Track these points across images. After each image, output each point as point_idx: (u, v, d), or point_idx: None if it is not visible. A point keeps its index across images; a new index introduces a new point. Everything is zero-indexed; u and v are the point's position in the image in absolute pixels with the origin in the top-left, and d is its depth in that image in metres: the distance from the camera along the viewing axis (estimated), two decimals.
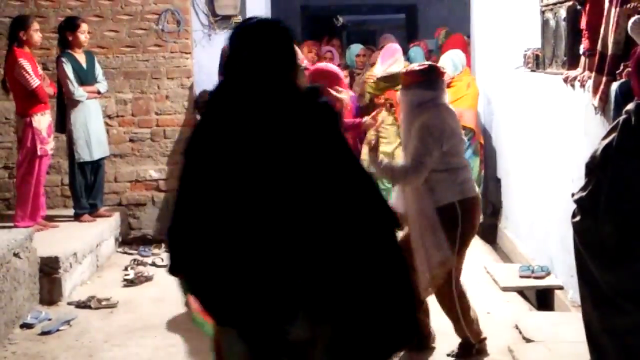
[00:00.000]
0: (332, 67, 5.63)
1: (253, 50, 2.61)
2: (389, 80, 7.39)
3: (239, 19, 7.90)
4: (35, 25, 6.63)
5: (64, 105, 6.99)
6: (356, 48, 8.61)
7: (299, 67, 2.83)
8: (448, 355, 4.64)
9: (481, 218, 7.81)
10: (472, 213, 4.52)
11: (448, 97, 7.38)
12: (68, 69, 6.87)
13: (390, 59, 7.55)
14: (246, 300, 2.51)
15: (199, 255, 2.59)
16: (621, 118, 2.83)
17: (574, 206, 3.02)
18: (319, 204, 2.49)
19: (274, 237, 2.49)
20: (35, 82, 6.47)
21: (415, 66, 4.71)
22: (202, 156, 2.59)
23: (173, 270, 2.73)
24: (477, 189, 4.67)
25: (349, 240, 2.51)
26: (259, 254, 2.49)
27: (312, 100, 2.65)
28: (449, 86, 7.81)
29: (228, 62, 2.70)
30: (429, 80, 4.48)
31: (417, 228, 4.44)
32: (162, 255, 6.95)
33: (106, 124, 7.59)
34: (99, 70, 7.20)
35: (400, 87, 4.78)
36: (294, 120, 2.56)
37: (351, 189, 2.54)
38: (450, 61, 7.82)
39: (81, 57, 7.02)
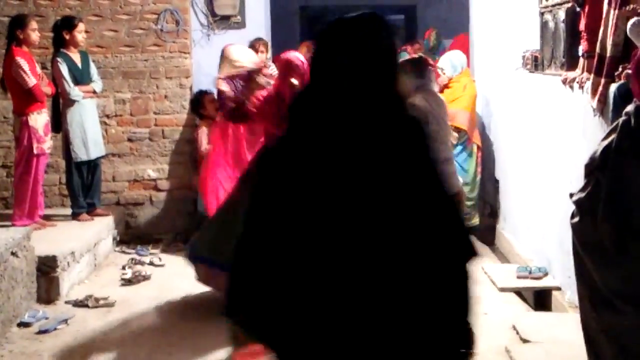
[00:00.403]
0: (294, 57, 5.58)
1: (353, 55, 2.18)
2: None
3: (238, 19, 7.91)
4: (33, 25, 6.62)
5: (59, 105, 6.98)
6: None
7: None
8: None
9: (477, 219, 7.89)
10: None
11: (446, 97, 7.48)
12: (63, 68, 6.86)
13: None
14: (320, 346, 2.18)
15: (269, 295, 2.18)
16: (621, 119, 2.84)
17: (573, 207, 3.02)
18: (402, 241, 2.18)
19: (356, 275, 2.13)
20: (31, 81, 6.47)
21: (405, 57, 4.86)
22: (284, 180, 2.17)
23: (232, 310, 2.28)
24: (460, 186, 4.67)
25: (425, 278, 2.24)
26: (337, 293, 2.14)
27: (404, 114, 2.27)
28: (446, 87, 7.86)
29: (318, 67, 2.29)
30: (417, 69, 4.63)
31: None
32: (159, 255, 6.95)
33: (105, 123, 7.60)
34: (93, 70, 7.19)
35: None
36: (395, 143, 2.17)
37: (434, 218, 2.23)
38: (449, 62, 7.85)
39: (76, 57, 7.01)
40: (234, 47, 6.49)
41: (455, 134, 7.80)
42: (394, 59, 2.28)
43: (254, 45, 7.49)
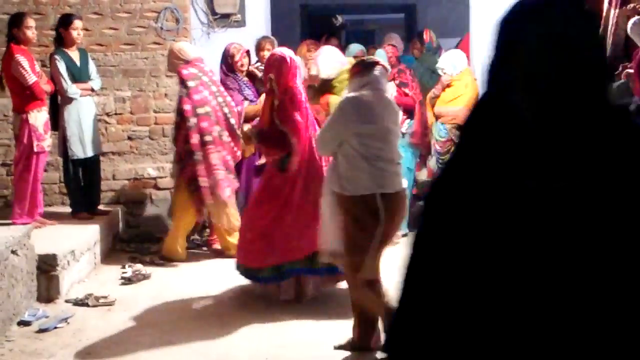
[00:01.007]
0: (283, 53, 5.58)
1: (561, 52, 1.59)
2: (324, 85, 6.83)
3: (238, 17, 7.91)
4: (29, 22, 6.60)
5: (57, 102, 6.98)
6: (355, 48, 8.57)
7: None
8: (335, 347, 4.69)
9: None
10: (393, 209, 4.43)
11: (448, 95, 7.51)
12: (61, 66, 6.85)
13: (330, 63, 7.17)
14: None
15: (445, 336, 1.71)
16: None
17: None
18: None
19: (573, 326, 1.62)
20: (31, 78, 6.47)
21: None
22: (475, 209, 1.67)
23: (395, 347, 1.84)
24: (403, 185, 4.59)
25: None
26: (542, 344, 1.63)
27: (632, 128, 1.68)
28: (448, 86, 7.87)
29: (506, 70, 1.71)
30: (362, 70, 4.59)
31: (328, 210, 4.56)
32: (159, 254, 6.95)
33: (105, 121, 7.60)
34: (92, 68, 7.18)
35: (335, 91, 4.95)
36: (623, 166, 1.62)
37: None
38: (449, 61, 7.86)
39: (75, 55, 7.01)
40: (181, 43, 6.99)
41: (457, 132, 7.81)
42: (604, 55, 1.77)
43: (260, 43, 7.47)
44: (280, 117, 5.34)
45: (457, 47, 9.06)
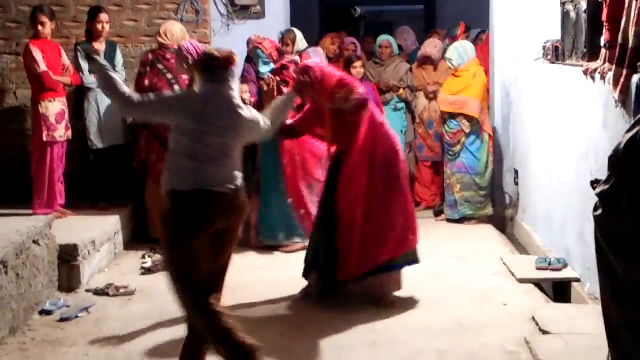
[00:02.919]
0: (305, 66, 5.46)
1: None
2: None
3: (258, 9, 7.94)
4: (42, 18, 6.65)
5: (83, 92, 7.08)
6: (380, 39, 8.64)
7: None
8: None
9: (490, 208, 7.92)
10: (184, 209, 3.87)
11: (456, 85, 7.55)
12: (81, 57, 6.95)
13: None
14: None
15: None
16: None
17: (592, 199, 3.01)
18: None
19: None
20: (40, 67, 6.54)
21: None
22: None
23: None
24: (215, 186, 3.89)
25: None
26: None
27: None
28: (455, 76, 7.90)
29: None
30: (206, 64, 4.15)
31: None
32: None
33: None
34: (119, 61, 7.26)
35: None
36: None
37: None
38: (456, 52, 7.93)
39: (100, 47, 7.07)
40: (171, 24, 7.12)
41: (467, 123, 7.83)
42: None
43: (283, 37, 7.50)
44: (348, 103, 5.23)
45: (485, 40, 9.06)
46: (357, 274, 5.33)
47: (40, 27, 6.65)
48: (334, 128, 5.31)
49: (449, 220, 8.04)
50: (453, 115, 7.88)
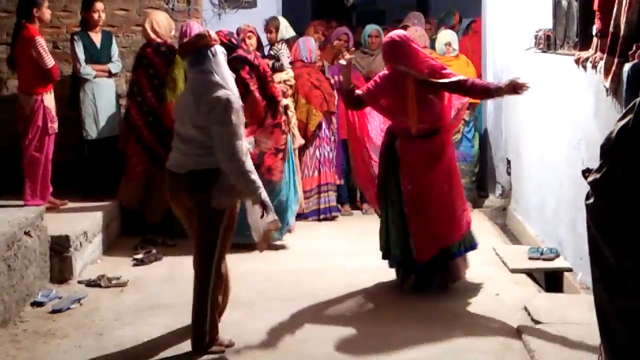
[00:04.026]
0: (390, 38, 5.47)
1: None
2: None
3: None
4: (47, 3, 6.62)
5: (78, 84, 7.07)
6: (369, 28, 8.57)
7: None
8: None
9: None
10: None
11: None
12: (78, 47, 6.96)
13: None
14: None
15: None
16: (638, 100, 2.80)
17: (584, 189, 3.01)
18: None
19: None
20: (51, 62, 6.50)
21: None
22: None
23: None
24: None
25: None
26: None
27: None
28: (449, 65, 7.91)
29: None
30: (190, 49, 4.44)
31: None
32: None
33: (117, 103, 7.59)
34: (114, 51, 7.26)
35: None
36: None
37: None
38: (454, 37, 8.00)
39: (96, 37, 7.10)
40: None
41: (467, 111, 7.85)
42: None
43: (267, 24, 7.47)
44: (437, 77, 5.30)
45: (473, 27, 9.07)
46: (434, 253, 5.35)
47: (47, 13, 6.60)
48: (418, 104, 5.29)
49: None
50: None
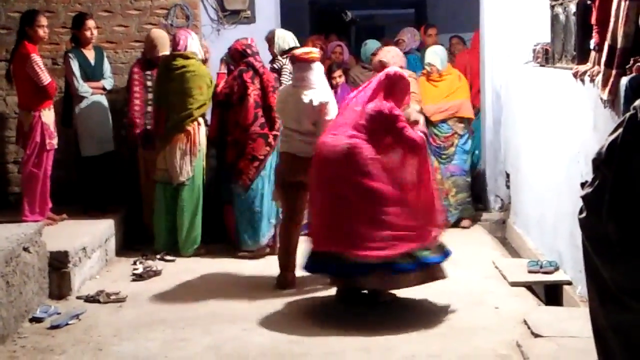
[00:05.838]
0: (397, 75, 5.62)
1: None
2: None
3: (248, 13, 7.93)
4: (41, 21, 6.61)
5: (71, 101, 7.07)
6: (373, 45, 8.52)
7: None
8: None
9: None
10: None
11: (443, 90, 7.59)
12: (74, 65, 6.97)
13: None
14: None
15: None
16: (628, 114, 2.81)
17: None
18: None
19: None
20: (47, 79, 6.50)
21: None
22: None
23: None
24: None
25: None
26: None
27: None
28: (438, 81, 7.90)
29: None
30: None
31: None
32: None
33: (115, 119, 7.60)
34: (107, 67, 7.26)
35: None
36: None
37: None
38: (437, 56, 7.95)
39: (90, 54, 7.10)
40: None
41: (460, 124, 7.88)
42: None
43: (268, 38, 7.46)
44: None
45: (471, 41, 9.09)
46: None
47: (40, 31, 6.58)
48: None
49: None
50: (444, 119, 7.89)
